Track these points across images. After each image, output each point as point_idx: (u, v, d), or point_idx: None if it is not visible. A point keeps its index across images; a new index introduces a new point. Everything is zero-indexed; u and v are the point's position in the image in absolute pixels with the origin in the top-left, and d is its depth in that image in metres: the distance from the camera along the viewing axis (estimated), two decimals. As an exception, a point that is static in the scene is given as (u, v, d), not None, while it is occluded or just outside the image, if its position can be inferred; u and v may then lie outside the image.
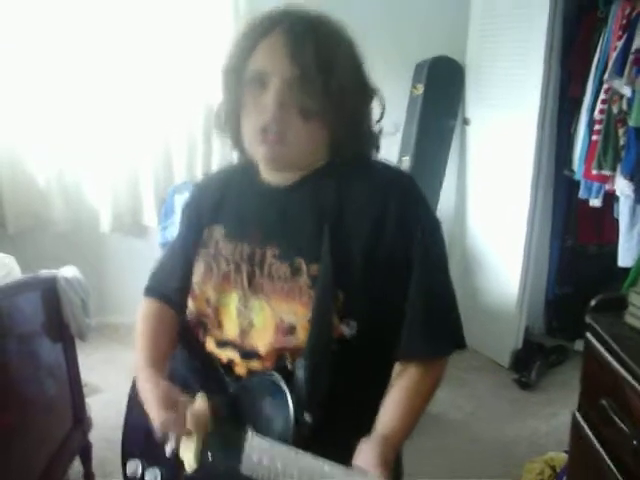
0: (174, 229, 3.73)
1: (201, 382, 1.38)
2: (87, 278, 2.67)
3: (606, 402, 1.65)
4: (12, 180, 4.01)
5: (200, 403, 1.31)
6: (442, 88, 4.01)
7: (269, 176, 1.35)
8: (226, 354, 1.35)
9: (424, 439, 3.01)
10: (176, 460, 1.32)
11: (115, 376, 3.64)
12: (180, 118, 4.07)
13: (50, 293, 2.49)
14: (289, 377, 1.22)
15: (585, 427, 1.80)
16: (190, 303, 1.41)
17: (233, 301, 1.34)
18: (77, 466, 2.79)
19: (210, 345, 1.38)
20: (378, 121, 1.34)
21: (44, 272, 2.51)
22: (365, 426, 1.19)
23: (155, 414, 1.29)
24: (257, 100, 1.23)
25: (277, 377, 1.23)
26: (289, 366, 1.25)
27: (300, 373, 1.21)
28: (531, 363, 3.80)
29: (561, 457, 2.77)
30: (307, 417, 1.19)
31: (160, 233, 3.88)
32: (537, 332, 4.30)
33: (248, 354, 1.31)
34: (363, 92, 1.29)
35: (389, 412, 1.22)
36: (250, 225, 1.35)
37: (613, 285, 2.58)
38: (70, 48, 3.85)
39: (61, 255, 3.66)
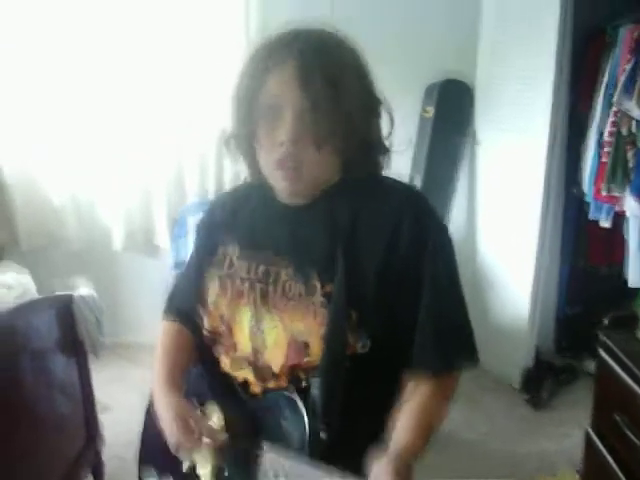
0: (186, 250, 3.75)
1: (218, 400, 1.40)
2: (99, 296, 2.69)
3: (619, 418, 1.67)
4: (26, 199, 4.03)
5: (216, 419, 1.34)
6: (452, 110, 4.03)
7: (284, 197, 1.36)
8: (241, 374, 1.36)
9: (435, 457, 2.99)
10: (193, 476, 1.34)
11: (126, 394, 3.64)
12: (192, 138, 4.10)
13: (65, 311, 2.51)
14: (304, 393, 1.24)
15: (598, 443, 1.81)
16: (206, 321, 1.42)
17: (246, 318, 1.35)
18: (90, 484, 2.80)
19: (225, 366, 1.39)
20: (388, 136, 1.35)
21: (60, 293, 2.53)
22: (378, 439, 1.19)
23: (170, 432, 1.32)
24: (271, 131, 1.24)
25: (292, 393, 1.25)
26: (303, 384, 1.26)
27: (315, 391, 1.22)
28: (542, 382, 3.79)
29: (572, 476, 2.77)
30: (322, 434, 1.20)
31: (172, 253, 3.90)
32: (546, 351, 4.28)
33: (262, 374, 1.32)
34: (371, 109, 1.30)
35: (403, 428, 1.22)
36: (263, 243, 1.36)
37: (623, 305, 2.59)
38: (84, 67, 3.88)
39: (74, 273, 3.67)
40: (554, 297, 4.31)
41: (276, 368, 1.29)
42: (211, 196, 4.08)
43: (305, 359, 1.26)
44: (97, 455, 2.77)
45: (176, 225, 3.92)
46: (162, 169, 4.14)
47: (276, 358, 1.29)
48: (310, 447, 1.19)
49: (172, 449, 1.32)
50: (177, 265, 3.76)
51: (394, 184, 1.38)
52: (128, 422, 3.16)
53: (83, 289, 2.60)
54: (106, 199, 4.15)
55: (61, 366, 2.53)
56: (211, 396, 1.42)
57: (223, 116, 3.99)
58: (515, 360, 3.93)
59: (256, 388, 1.34)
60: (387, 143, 1.36)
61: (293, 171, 1.25)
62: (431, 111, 3.97)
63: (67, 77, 3.89)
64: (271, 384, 1.31)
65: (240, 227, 1.42)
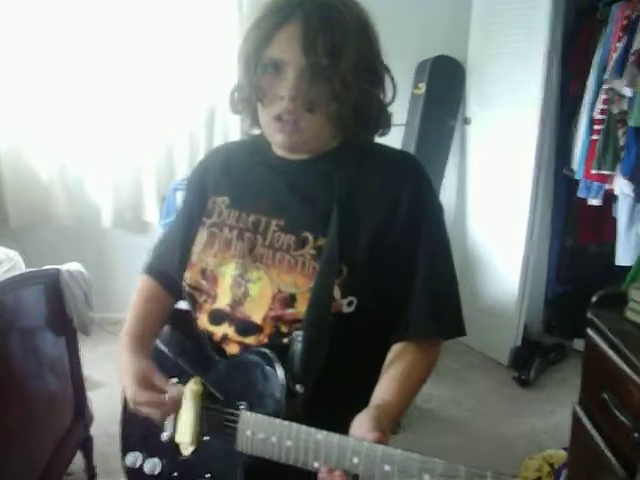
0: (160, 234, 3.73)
1: (192, 364, 1.39)
2: (88, 273, 2.68)
3: (607, 396, 1.67)
4: (14, 175, 4.02)
5: (193, 385, 1.32)
6: (444, 87, 4.03)
7: (282, 153, 1.36)
8: (220, 329, 1.34)
9: (423, 436, 3.04)
10: (173, 444, 1.34)
11: (115, 371, 3.64)
12: (182, 114, 4.09)
13: (53, 287, 2.50)
14: (284, 352, 1.23)
15: (586, 421, 1.82)
16: (186, 274, 1.41)
17: (230, 271, 1.34)
18: (79, 460, 2.80)
19: (203, 322, 1.38)
20: (390, 103, 1.34)
21: (48, 266, 2.52)
22: (358, 403, 1.19)
23: (128, 387, 1.31)
24: (272, 87, 1.25)
25: (266, 350, 1.24)
26: (285, 340, 1.26)
27: (297, 345, 1.22)
28: (530, 361, 3.81)
29: (560, 454, 2.79)
30: (299, 387, 1.20)
31: (162, 229, 3.89)
32: (536, 330, 4.32)
33: (243, 328, 1.31)
34: (370, 80, 1.29)
35: (385, 387, 1.23)
36: (258, 196, 1.36)
37: (612, 284, 2.59)
38: (73, 44, 3.86)
39: (63, 250, 3.66)
40: (543, 276, 4.33)
41: (258, 319, 1.28)
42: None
43: (290, 310, 1.25)
44: (86, 431, 2.78)
45: (165, 201, 3.90)
46: (152, 145, 4.13)
47: (258, 309, 1.28)
48: (287, 402, 1.19)
49: (131, 408, 1.32)
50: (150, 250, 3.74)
51: (392, 151, 1.40)
52: (118, 399, 3.20)
53: (71, 264, 2.58)
54: (95, 176, 4.14)
55: (50, 343, 2.52)
56: (185, 361, 1.41)
57: (213, 92, 4.00)
58: (504, 339, 3.96)
59: (233, 347, 1.33)
60: (387, 113, 1.35)
61: (291, 125, 1.25)
62: (423, 87, 3.97)
63: (56, 54, 3.87)
64: (251, 340, 1.29)
65: (233, 178, 1.42)
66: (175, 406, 1.30)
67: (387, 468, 1.01)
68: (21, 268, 2.90)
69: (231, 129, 4.07)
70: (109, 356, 3.87)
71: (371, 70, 1.28)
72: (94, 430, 2.84)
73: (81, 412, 2.72)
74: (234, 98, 1.36)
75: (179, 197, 3.72)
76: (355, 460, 1.05)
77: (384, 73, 1.32)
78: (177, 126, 4.12)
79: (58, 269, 2.52)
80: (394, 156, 1.39)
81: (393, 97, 1.34)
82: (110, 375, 3.61)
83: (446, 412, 3.46)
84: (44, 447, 2.43)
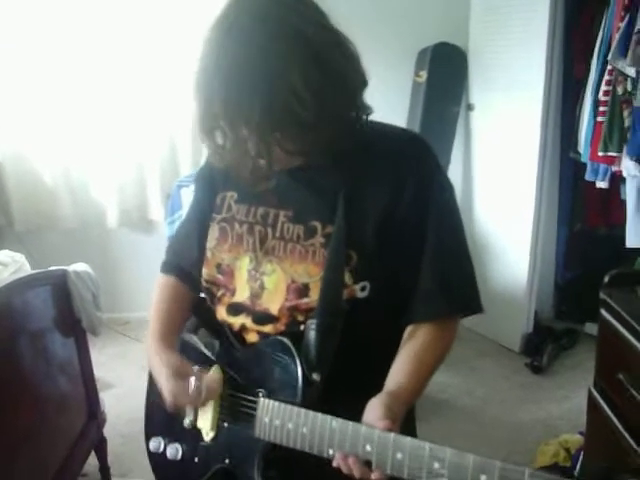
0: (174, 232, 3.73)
1: (213, 352, 1.41)
2: (95, 273, 2.67)
3: (622, 376, 1.65)
4: (19, 179, 4.02)
5: (214, 373, 1.35)
6: (445, 74, 4.00)
7: None
8: (238, 320, 1.36)
9: (436, 424, 3.02)
10: (194, 430, 1.37)
11: (126, 370, 3.66)
12: (184, 112, 4.06)
13: (61, 288, 2.49)
14: (300, 339, 1.24)
15: (602, 402, 1.81)
16: (203, 270, 1.42)
17: (245, 265, 1.35)
18: (93, 461, 2.79)
19: (221, 313, 1.40)
20: (359, 88, 1.25)
21: (54, 267, 2.52)
22: (373, 387, 1.19)
23: (164, 383, 1.33)
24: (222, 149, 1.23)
25: (284, 339, 1.25)
26: (301, 327, 1.26)
27: (311, 333, 1.23)
28: (542, 347, 3.79)
29: (575, 439, 2.77)
30: (315, 376, 1.21)
31: (167, 227, 3.88)
32: (546, 316, 4.30)
33: (260, 318, 1.32)
34: (320, 94, 1.15)
35: (399, 370, 1.23)
36: (265, 189, 1.34)
37: (622, 266, 2.57)
38: (74, 46, 3.86)
39: (69, 252, 3.66)
40: (552, 261, 4.31)
41: (274, 310, 1.30)
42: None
43: (304, 300, 1.26)
44: (99, 432, 2.77)
45: (170, 199, 3.89)
46: (154, 143, 4.12)
47: (275, 301, 1.30)
48: (303, 390, 1.20)
49: (169, 408, 1.34)
50: (172, 239, 3.73)
51: (395, 130, 1.37)
52: (130, 399, 3.21)
53: (78, 265, 2.58)
54: (99, 176, 4.14)
55: (59, 344, 2.51)
56: (207, 351, 1.42)
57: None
58: (515, 326, 3.94)
59: (252, 336, 1.34)
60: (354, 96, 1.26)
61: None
62: (424, 75, 3.94)
63: (58, 56, 3.88)
64: (268, 328, 1.31)
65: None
66: (215, 393, 1.33)
67: (399, 455, 1.04)
68: (27, 271, 2.90)
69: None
70: (119, 356, 3.87)
71: (321, 86, 1.15)
72: (107, 431, 2.84)
73: (94, 413, 2.71)
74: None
75: (184, 194, 3.71)
76: (368, 447, 1.07)
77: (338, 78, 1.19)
78: (179, 123, 4.10)
79: (65, 270, 2.52)
80: (398, 136, 1.36)
81: (362, 81, 1.25)
82: (121, 375, 3.61)
83: (459, 401, 3.44)
84: (57, 449, 2.42)
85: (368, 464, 1.07)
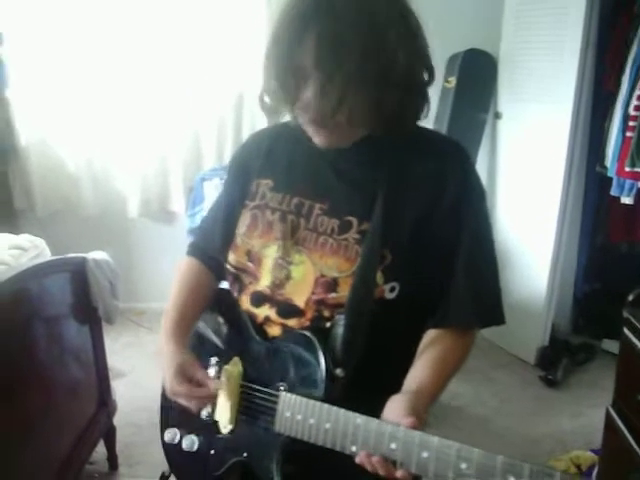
0: (202, 216, 3.73)
1: (233, 344, 1.40)
2: (113, 262, 2.67)
3: (643, 398, 1.63)
4: (42, 164, 4.04)
5: (233, 366, 1.35)
6: (475, 81, 3.97)
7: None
8: (262, 311, 1.35)
9: (447, 432, 2.99)
10: (211, 423, 1.37)
11: (139, 360, 3.67)
12: (210, 104, 4.08)
13: (79, 275, 2.50)
14: (326, 335, 1.23)
15: (619, 422, 1.77)
16: (230, 256, 1.41)
17: (272, 253, 1.34)
18: (101, 449, 2.80)
19: (245, 303, 1.39)
20: (425, 85, 1.27)
21: (73, 254, 2.52)
22: (394, 387, 1.19)
23: (168, 381, 1.34)
24: (303, 93, 1.20)
25: (307, 333, 1.24)
26: (327, 324, 1.25)
27: (339, 329, 1.22)
28: (558, 361, 3.76)
29: (587, 456, 2.75)
30: (339, 372, 1.20)
31: (188, 220, 3.88)
32: (563, 329, 4.25)
33: (284, 310, 1.31)
34: (393, 82, 1.19)
35: (421, 371, 1.22)
36: (302, 179, 1.35)
37: (642, 284, 2.54)
38: (101, 34, 3.86)
39: (88, 239, 3.67)
40: (572, 275, 4.26)
41: (300, 302, 1.29)
42: (228, 162, 4.06)
43: (332, 294, 1.25)
44: (109, 421, 2.78)
45: (192, 191, 3.90)
46: (179, 135, 4.12)
47: (300, 292, 1.29)
48: (326, 385, 1.19)
49: (170, 397, 1.35)
50: (192, 231, 3.74)
51: (438, 136, 1.40)
52: (142, 388, 3.22)
53: (97, 253, 2.58)
54: (122, 165, 4.15)
55: (74, 331, 2.52)
56: (227, 343, 1.42)
57: (240, 81, 3.98)
58: (531, 338, 3.90)
59: (275, 329, 1.33)
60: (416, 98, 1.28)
61: (324, 129, 1.23)
62: (453, 81, 3.92)
63: (84, 43, 3.88)
64: (293, 322, 1.30)
65: (277, 160, 1.42)
66: (211, 400, 1.34)
67: (425, 455, 1.02)
68: (47, 256, 2.91)
69: (259, 118, 4.05)
70: (133, 346, 3.89)
71: (384, 72, 1.18)
72: (117, 420, 2.85)
73: (104, 402, 2.72)
74: (265, 103, 1.33)
75: (206, 187, 3.71)
76: (393, 445, 1.06)
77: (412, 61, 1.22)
78: (204, 116, 4.11)
79: (84, 257, 2.52)
80: (440, 142, 1.37)
81: (429, 79, 1.27)
82: (134, 365, 3.62)
83: (472, 410, 3.42)
84: (66, 435, 2.43)
85: (393, 462, 1.06)
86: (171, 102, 4.05)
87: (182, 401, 1.33)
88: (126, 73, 3.95)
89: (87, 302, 2.55)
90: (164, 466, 1.53)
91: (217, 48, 3.97)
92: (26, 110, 3.93)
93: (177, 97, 4.05)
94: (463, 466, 0.98)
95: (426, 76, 1.27)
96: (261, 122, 4.02)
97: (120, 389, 3.00)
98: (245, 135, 4.08)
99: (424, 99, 1.28)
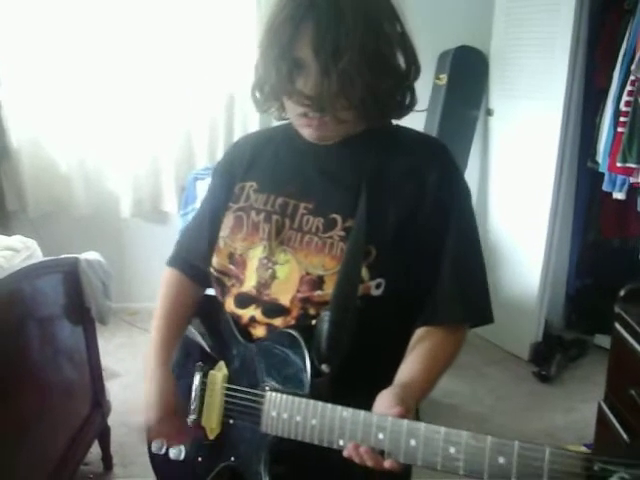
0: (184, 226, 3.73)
1: (218, 348, 1.40)
2: (107, 262, 2.67)
3: (634, 392, 1.63)
4: (34, 165, 4.03)
5: (218, 370, 1.34)
6: (466, 78, 3.98)
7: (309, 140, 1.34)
8: (247, 312, 1.34)
9: (443, 429, 3.01)
10: (197, 429, 1.35)
11: (133, 360, 3.66)
12: (201, 104, 4.08)
13: (72, 276, 2.50)
14: (311, 333, 1.22)
15: (611, 417, 1.78)
16: (214, 259, 1.40)
17: (257, 254, 1.33)
18: (96, 449, 2.80)
19: (230, 305, 1.38)
20: (412, 79, 1.29)
21: (66, 255, 2.52)
22: (382, 384, 1.17)
23: (149, 412, 1.37)
24: (295, 87, 1.22)
25: (291, 330, 1.23)
26: (312, 322, 1.24)
27: (324, 325, 1.21)
28: (551, 356, 3.77)
29: (581, 450, 2.75)
30: (325, 367, 1.19)
31: (181, 219, 3.88)
32: (556, 325, 4.26)
33: (270, 310, 1.30)
34: (381, 66, 1.23)
35: (410, 366, 1.22)
36: (286, 180, 1.35)
37: (635, 279, 2.55)
38: (93, 35, 3.86)
39: (81, 240, 3.67)
40: (565, 270, 4.28)
41: (285, 301, 1.28)
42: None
43: (317, 292, 1.25)
44: (103, 421, 2.78)
45: (185, 191, 3.89)
46: (170, 135, 4.12)
47: (285, 291, 1.28)
48: (311, 381, 1.18)
49: (146, 426, 1.38)
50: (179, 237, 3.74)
51: (419, 134, 1.39)
52: (136, 389, 3.21)
53: (89, 253, 2.58)
54: (114, 165, 4.14)
55: (67, 332, 2.52)
56: (211, 347, 1.42)
57: (231, 81, 3.99)
58: (524, 334, 3.91)
59: (260, 330, 1.32)
60: (406, 94, 1.31)
61: (317, 120, 1.24)
62: (444, 78, 3.92)
63: (75, 43, 3.88)
64: (278, 321, 1.29)
65: (261, 163, 1.42)
66: (186, 440, 1.37)
67: (413, 442, 1.02)
68: (39, 257, 2.91)
69: (250, 118, 4.05)
70: (126, 346, 3.88)
71: (379, 59, 1.23)
72: (111, 420, 2.85)
73: (98, 402, 2.72)
74: (257, 97, 1.35)
75: (199, 187, 3.71)
76: (380, 436, 1.05)
77: (400, 54, 1.26)
78: (196, 116, 4.11)
79: (77, 258, 2.52)
80: (421, 139, 1.39)
81: (416, 74, 1.29)
82: (128, 365, 3.62)
83: (466, 407, 3.43)
84: (60, 436, 2.43)
85: (380, 453, 1.05)
86: (163, 102, 4.05)
87: (161, 437, 1.36)
88: (118, 74, 3.95)
89: (80, 303, 2.55)
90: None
91: (208, 49, 3.97)
92: (17, 110, 3.93)
93: (169, 97, 4.04)
94: (452, 450, 0.98)
95: (414, 71, 1.28)
96: (252, 121, 4.04)
97: (114, 389, 3.00)
98: (236, 134, 4.09)
99: (413, 93, 1.31)
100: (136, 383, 3.32)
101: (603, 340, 3.80)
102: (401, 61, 1.27)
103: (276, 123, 1.44)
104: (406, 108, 1.32)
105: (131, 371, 3.55)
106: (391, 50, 1.24)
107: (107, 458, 2.83)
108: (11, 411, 2.06)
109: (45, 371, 2.34)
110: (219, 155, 4.11)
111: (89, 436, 2.66)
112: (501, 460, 0.95)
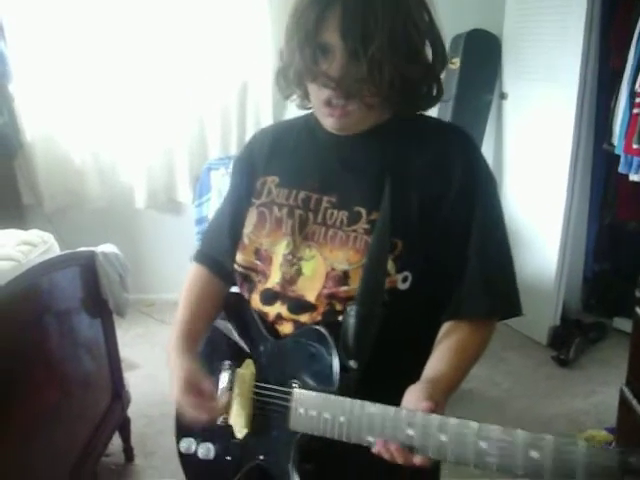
0: (210, 205, 3.73)
1: (245, 345, 1.38)
2: (122, 254, 2.68)
3: (657, 376, 1.63)
4: (48, 158, 4.05)
5: (246, 368, 1.33)
6: (479, 62, 3.95)
7: (331, 130, 1.32)
8: (273, 309, 1.33)
9: (459, 414, 3.00)
10: (226, 428, 1.34)
11: (151, 351, 3.68)
12: (214, 94, 4.07)
13: (88, 269, 2.50)
14: (338, 329, 1.21)
15: (633, 401, 1.77)
16: (239, 256, 1.39)
17: (281, 250, 1.32)
18: (117, 441, 2.82)
19: (256, 302, 1.37)
20: (438, 69, 1.28)
21: (82, 248, 2.52)
22: (410, 379, 1.16)
23: (176, 393, 1.31)
24: (320, 70, 1.21)
25: (318, 327, 1.22)
26: (339, 318, 1.23)
27: (350, 320, 1.19)
28: (569, 340, 3.75)
29: (602, 435, 2.75)
30: (352, 363, 1.17)
31: (195, 210, 3.88)
32: (574, 309, 4.24)
33: (296, 306, 1.29)
34: (408, 54, 1.21)
35: (436, 362, 1.20)
36: (309, 174, 1.34)
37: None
38: (104, 27, 3.86)
39: (97, 232, 3.67)
40: (582, 254, 4.25)
41: (311, 297, 1.27)
42: (233, 151, 4.07)
43: (343, 287, 1.24)
44: (123, 413, 2.79)
45: (199, 181, 3.90)
46: (183, 125, 4.12)
47: (311, 288, 1.27)
48: (340, 378, 1.17)
49: (177, 410, 1.34)
50: (200, 221, 3.75)
51: (442, 123, 1.39)
52: (155, 380, 3.23)
53: (106, 246, 2.58)
54: (128, 157, 4.15)
55: (86, 325, 2.53)
56: (238, 346, 1.40)
57: (244, 70, 3.98)
58: (542, 318, 3.89)
59: (287, 327, 1.31)
60: (433, 83, 1.29)
61: (340, 109, 1.23)
62: (457, 62, 3.89)
63: (87, 37, 3.88)
64: (305, 318, 1.28)
65: (282, 157, 1.41)
66: (220, 413, 1.31)
67: (443, 438, 1.00)
68: (56, 251, 2.92)
69: (263, 107, 4.05)
70: (144, 337, 3.90)
71: (408, 47, 1.21)
72: (131, 412, 2.86)
73: (118, 394, 2.73)
74: (281, 83, 1.33)
75: (213, 177, 3.71)
76: (410, 432, 1.03)
77: (428, 43, 1.25)
78: (209, 105, 4.10)
79: (93, 251, 2.53)
80: (444, 128, 1.37)
81: (443, 64, 1.28)
82: (146, 356, 3.63)
83: (484, 392, 3.42)
84: (82, 428, 2.44)
85: (410, 449, 1.04)
86: (175, 92, 4.05)
87: (190, 413, 1.30)
88: (130, 65, 3.95)
89: (97, 295, 2.56)
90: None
91: (220, 37, 3.96)
92: (31, 105, 3.94)
93: (181, 87, 4.04)
94: (483, 445, 0.96)
95: (441, 61, 1.27)
96: (265, 110, 4.03)
97: (133, 380, 3.01)
98: (249, 124, 4.08)
99: (440, 83, 1.28)
100: (155, 374, 3.33)
101: (622, 323, 3.79)
102: (428, 51, 1.25)
103: (289, 114, 1.42)
104: (433, 99, 1.30)
105: (150, 362, 3.56)
106: (419, 37, 1.23)
107: (128, 449, 2.84)
108: (32, 405, 2.07)
109: (64, 364, 2.35)
110: (232, 145, 4.11)
111: (110, 428, 2.67)
112: (535, 455, 0.93)
